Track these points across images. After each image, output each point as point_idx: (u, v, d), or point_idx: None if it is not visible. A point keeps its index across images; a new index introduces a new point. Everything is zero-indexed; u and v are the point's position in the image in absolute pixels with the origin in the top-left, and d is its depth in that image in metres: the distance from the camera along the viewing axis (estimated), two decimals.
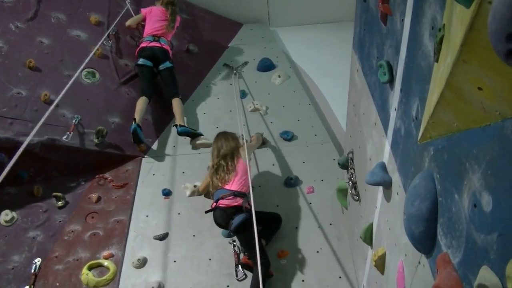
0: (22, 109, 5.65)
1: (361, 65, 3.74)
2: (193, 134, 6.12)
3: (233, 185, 4.89)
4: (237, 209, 4.76)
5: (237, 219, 4.67)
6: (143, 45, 6.47)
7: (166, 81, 6.50)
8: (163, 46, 6.49)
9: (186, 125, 6.15)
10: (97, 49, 6.28)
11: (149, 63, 6.40)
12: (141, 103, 6.14)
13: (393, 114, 2.77)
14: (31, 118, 5.56)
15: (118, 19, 6.72)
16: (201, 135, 6.15)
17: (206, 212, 5.02)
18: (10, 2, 6.38)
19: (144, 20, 6.82)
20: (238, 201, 4.80)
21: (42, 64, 6.07)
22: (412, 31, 2.32)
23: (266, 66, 7.27)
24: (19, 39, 6.15)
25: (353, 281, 4.67)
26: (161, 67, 6.44)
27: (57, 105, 5.79)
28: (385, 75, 2.77)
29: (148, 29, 6.63)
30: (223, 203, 4.82)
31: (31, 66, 5.95)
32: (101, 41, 6.18)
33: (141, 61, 6.38)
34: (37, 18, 6.45)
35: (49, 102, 5.68)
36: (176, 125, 6.11)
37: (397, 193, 2.79)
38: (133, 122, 5.93)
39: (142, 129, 6.02)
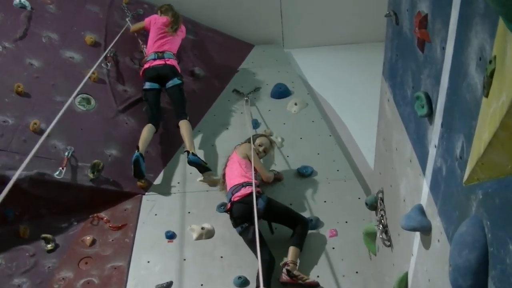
0: (9, 139, 5.73)
1: (392, 94, 3.80)
2: (203, 167, 6.16)
3: (236, 179, 5.59)
4: (252, 195, 5.15)
5: (261, 203, 5.31)
6: (146, 66, 6.65)
7: (173, 99, 6.63)
8: (167, 62, 6.63)
9: (197, 155, 6.16)
10: (93, 73, 6.36)
11: (155, 85, 6.55)
12: (147, 131, 6.24)
13: (432, 151, 2.80)
14: (19, 150, 5.65)
15: (116, 39, 6.83)
16: (210, 170, 6.21)
17: (226, 211, 5.55)
18: None
19: (146, 30, 7.04)
20: (250, 189, 5.32)
21: (32, 89, 6.19)
22: (455, 61, 2.36)
23: (281, 92, 7.36)
24: (7, 61, 6.31)
25: None
26: (169, 84, 6.60)
27: (48, 136, 5.90)
28: (423, 108, 2.81)
29: (150, 45, 6.81)
30: (237, 196, 5.45)
31: (20, 91, 6.06)
32: (97, 64, 6.23)
33: (147, 85, 6.55)
34: (27, 37, 6.62)
35: (39, 132, 5.77)
36: (187, 152, 6.16)
37: (438, 240, 2.80)
38: (136, 151, 5.99)
39: (144, 161, 6.08)
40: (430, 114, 2.80)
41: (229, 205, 5.47)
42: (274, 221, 5.49)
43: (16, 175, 4.22)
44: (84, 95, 6.43)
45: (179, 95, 6.59)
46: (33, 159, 5.47)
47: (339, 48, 8.34)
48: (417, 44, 2.94)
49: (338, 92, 7.50)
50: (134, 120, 6.61)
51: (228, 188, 5.62)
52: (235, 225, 5.43)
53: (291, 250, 5.23)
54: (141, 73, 6.73)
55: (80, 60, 6.76)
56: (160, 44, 6.79)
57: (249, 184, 5.40)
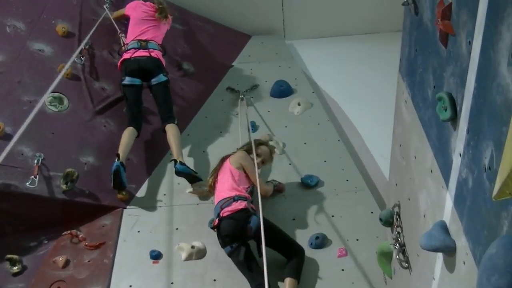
0: None
1: (410, 95, 3.82)
2: (192, 177, 6.16)
3: (227, 192, 5.54)
4: (244, 212, 5.33)
5: (254, 221, 5.24)
6: (126, 56, 6.58)
7: (158, 100, 6.60)
8: (152, 53, 6.56)
9: (185, 164, 6.13)
10: (67, 69, 6.35)
11: (137, 81, 6.50)
12: (127, 135, 6.22)
13: (457, 161, 2.82)
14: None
15: (93, 29, 6.85)
16: (201, 180, 6.21)
17: (213, 228, 5.47)
18: None
19: (127, 17, 7.02)
20: (242, 204, 5.40)
21: None
22: (483, 58, 2.38)
23: (282, 90, 7.41)
24: None
25: None
26: (154, 81, 6.56)
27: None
28: (446, 111, 2.83)
29: (132, 32, 6.75)
30: (226, 211, 5.37)
31: None
32: (72, 59, 6.25)
33: (127, 80, 6.48)
34: None
35: (3, 136, 5.79)
36: (174, 161, 6.15)
37: (464, 262, 2.82)
38: (116, 159, 5.98)
39: (126, 170, 6.10)
40: (454, 118, 2.81)
41: (216, 220, 5.42)
42: (266, 245, 5.36)
43: None
44: (56, 94, 6.44)
45: (166, 94, 6.58)
46: None
47: (348, 39, 8.39)
48: (440, 37, 2.96)
49: (347, 90, 7.54)
50: (113, 123, 6.62)
51: (216, 202, 5.60)
52: (223, 244, 5.39)
53: (288, 282, 5.18)
54: (119, 64, 6.67)
55: (50, 53, 6.78)
56: (142, 31, 6.74)
57: (242, 198, 5.44)
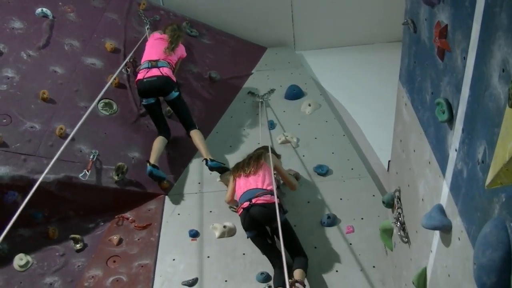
0: (37, 144, 5.85)
1: (410, 99, 3.87)
2: (222, 169, 6.18)
3: (265, 185, 5.38)
4: (278, 206, 5.11)
5: (283, 217, 5.08)
6: (139, 76, 6.31)
7: (176, 113, 6.53)
8: (163, 71, 6.28)
9: (215, 159, 6.15)
10: (114, 78, 6.45)
11: (151, 100, 6.32)
12: (158, 142, 6.24)
13: (453, 155, 2.88)
14: (46, 154, 5.75)
15: (137, 46, 6.94)
16: (229, 169, 6.14)
17: (238, 210, 5.35)
18: (21, 29, 6.66)
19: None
20: (275, 199, 5.14)
21: (56, 95, 6.30)
22: (477, 71, 2.44)
23: (295, 94, 7.44)
24: (32, 69, 6.42)
25: None
26: (167, 98, 6.41)
27: (73, 139, 6.00)
28: (444, 114, 2.89)
29: (145, 55, 6.57)
30: (261, 199, 5.23)
31: (45, 98, 6.17)
32: (118, 70, 6.35)
33: (144, 101, 6.35)
34: (50, 45, 6.73)
35: (64, 137, 5.88)
36: (206, 160, 6.15)
37: (459, 238, 2.88)
38: (148, 164, 5.97)
39: (163, 165, 6.16)
40: (451, 120, 2.87)
41: (246, 203, 5.26)
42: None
43: (41, 177, 4.39)
44: (107, 100, 6.53)
45: (181, 107, 6.47)
46: (60, 163, 5.70)
47: (349, 49, 8.41)
48: (437, 52, 3.01)
49: (350, 93, 7.56)
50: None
51: (246, 189, 5.40)
52: (248, 227, 5.27)
53: (298, 272, 5.02)
54: (135, 82, 6.44)
55: (101, 66, 6.85)
56: (153, 55, 6.49)
57: (273, 194, 5.19)
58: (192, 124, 6.45)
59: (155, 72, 6.25)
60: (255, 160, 5.61)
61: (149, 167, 5.93)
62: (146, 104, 6.36)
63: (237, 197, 5.50)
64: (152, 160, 6.02)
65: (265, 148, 5.91)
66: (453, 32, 2.77)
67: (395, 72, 4.51)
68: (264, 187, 5.34)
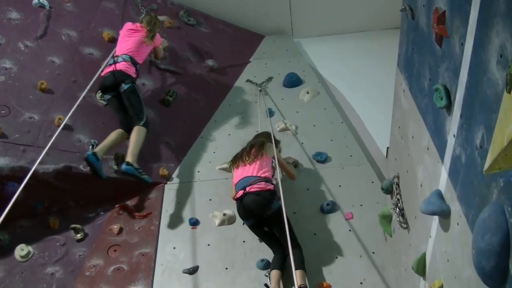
0: (35, 135, 5.85)
1: (408, 86, 3.88)
2: (138, 178, 5.74)
3: (260, 173, 5.31)
4: (270, 193, 5.14)
5: (276, 205, 5.08)
6: (103, 73, 6.23)
7: (126, 105, 6.15)
8: (117, 67, 6.14)
9: (134, 165, 5.69)
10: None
11: (108, 96, 6.17)
12: (114, 134, 5.96)
13: (451, 140, 2.89)
14: (45, 145, 5.68)
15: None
16: (147, 182, 5.87)
17: (234, 199, 5.30)
18: (18, 20, 6.63)
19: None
20: (270, 186, 5.20)
21: (55, 85, 6.29)
22: (474, 57, 2.45)
23: (293, 81, 7.43)
24: (29, 59, 6.40)
25: None
26: (120, 89, 6.12)
27: (72, 129, 6.04)
28: (442, 100, 2.90)
29: (117, 50, 6.41)
30: (255, 187, 5.18)
31: (43, 88, 6.17)
32: (108, 59, 6.28)
33: (105, 96, 6.22)
34: (47, 35, 6.69)
35: (63, 127, 5.84)
36: (121, 161, 5.85)
37: (458, 223, 2.90)
38: (90, 148, 5.80)
39: (164, 154, 6.14)
40: (449, 106, 2.89)
41: (240, 192, 5.23)
42: (273, 228, 5.22)
43: (35, 165, 4.39)
44: None
45: (130, 99, 6.11)
46: (59, 153, 5.72)
47: (347, 37, 8.39)
48: (435, 39, 3.01)
49: (347, 80, 7.55)
50: (153, 113, 6.67)
51: (241, 177, 5.36)
52: (244, 216, 5.26)
53: (299, 273, 4.81)
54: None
55: (99, 56, 6.82)
56: (120, 48, 6.38)
57: (270, 182, 5.26)
58: (139, 119, 6.03)
59: (111, 68, 6.16)
60: (257, 149, 5.54)
61: (89, 152, 5.66)
62: (107, 98, 6.20)
63: (233, 185, 5.48)
64: (98, 148, 5.74)
65: (265, 136, 5.89)
66: (451, 18, 2.77)
67: (393, 59, 4.53)
68: (259, 175, 5.30)
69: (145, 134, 5.96)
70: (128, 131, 5.98)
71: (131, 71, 6.21)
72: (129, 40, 6.36)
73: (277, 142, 5.95)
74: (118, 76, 6.10)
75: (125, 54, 6.24)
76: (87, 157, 5.62)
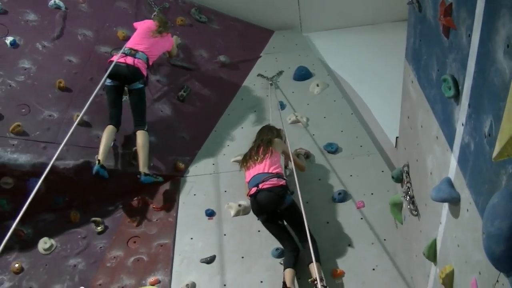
0: (55, 132, 5.91)
1: (416, 77, 3.88)
2: (155, 183, 5.96)
3: (271, 169, 5.29)
4: (283, 188, 5.13)
5: (288, 199, 5.12)
6: (113, 58, 6.07)
7: (132, 105, 6.16)
8: (136, 63, 6.06)
9: (149, 173, 5.80)
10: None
11: (116, 83, 6.06)
12: (108, 134, 5.88)
13: (460, 129, 2.90)
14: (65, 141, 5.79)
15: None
16: (161, 182, 6.07)
17: (248, 195, 5.28)
18: (35, 21, 6.68)
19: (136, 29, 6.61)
20: (282, 181, 5.18)
21: (72, 84, 6.34)
22: (482, 47, 2.45)
23: (303, 75, 7.43)
24: (47, 59, 6.45)
25: None
26: (131, 87, 6.10)
27: (90, 126, 6.08)
28: (450, 90, 2.91)
29: (130, 42, 6.35)
30: (268, 184, 5.15)
31: (61, 87, 6.22)
32: (119, 53, 6.28)
33: (107, 82, 6.02)
34: (64, 36, 6.74)
35: (82, 124, 5.95)
36: (139, 174, 5.80)
37: (467, 210, 2.91)
38: (97, 163, 5.64)
39: (179, 148, 6.20)
40: (457, 95, 2.89)
41: (254, 189, 5.20)
42: (288, 222, 5.29)
43: (53, 160, 4.40)
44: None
45: (138, 101, 6.14)
46: (79, 149, 5.77)
47: (355, 30, 8.34)
48: (442, 31, 3.01)
49: (356, 72, 7.52)
50: (168, 108, 6.72)
51: (254, 174, 5.34)
52: (258, 212, 5.25)
53: (316, 266, 4.51)
54: (108, 62, 6.16)
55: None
56: (138, 42, 6.32)
57: (281, 177, 5.25)
58: (142, 123, 6.08)
59: (129, 60, 6.04)
60: (265, 147, 5.50)
61: (96, 167, 5.62)
62: (109, 85, 6.06)
63: (246, 184, 5.45)
64: (101, 157, 5.69)
65: (269, 131, 5.84)
66: (457, 10, 2.77)
67: (401, 51, 4.51)
68: (271, 171, 5.27)
69: (148, 138, 6.00)
70: (117, 125, 5.96)
71: (145, 71, 6.21)
72: (148, 39, 6.35)
73: (279, 131, 5.91)
74: (134, 73, 6.05)
75: (142, 52, 6.21)
76: (97, 172, 5.60)
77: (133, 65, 6.04)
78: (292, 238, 5.19)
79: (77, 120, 4.97)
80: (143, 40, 6.34)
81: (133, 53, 6.12)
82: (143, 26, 6.55)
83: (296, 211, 5.09)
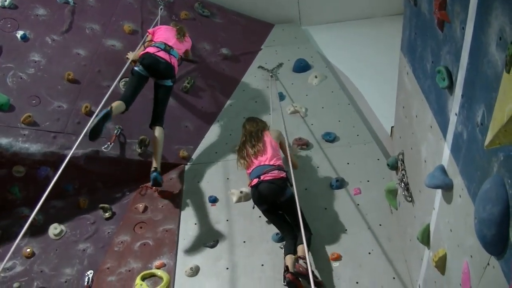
0: (64, 122, 5.92)
1: (411, 68, 3.87)
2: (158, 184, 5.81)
3: (272, 161, 5.24)
4: (283, 181, 5.11)
5: (289, 191, 5.08)
6: (149, 50, 5.95)
7: (157, 100, 5.98)
8: (171, 61, 5.97)
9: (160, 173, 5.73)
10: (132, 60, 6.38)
11: (145, 72, 5.87)
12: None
13: (453, 119, 2.89)
14: (74, 131, 5.84)
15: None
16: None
17: (250, 186, 5.23)
18: (45, 16, 6.66)
19: (152, 38, 6.28)
20: (283, 173, 5.15)
21: (80, 76, 6.34)
22: (475, 40, 2.44)
23: (302, 67, 7.41)
24: (57, 52, 6.45)
25: (407, 282, 4.79)
26: (161, 82, 5.95)
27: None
28: (445, 81, 2.90)
29: (160, 37, 6.17)
30: (269, 175, 5.11)
31: (70, 79, 6.22)
32: (138, 48, 6.30)
33: (139, 68, 5.85)
34: (72, 30, 6.72)
35: (90, 114, 5.92)
36: (155, 169, 5.71)
37: (460, 196, 2.91)
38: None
39: (183, 137, 6.27)
40: (451, 86, 2.88)
41: (255, 180, 5.16)
42: (286, 213, 5.22)
43: (71, 152, 4.46)
44: (127, 79, 6.50)
45: (164, 98, 6.00)
46: (87, 138, 5.74)
47: (352, 24, 8.31)
48: (437, 24, 3.00)
49: (353, 64, 7.50)
50: (172, 99, 6.67)
51: (255, 165, 5.29)
52: (258, 203, 5.20)
53: (301, 247, 4.78)
54: (139, 55, 6.01)
55: (121, 47, 6.84)
56: (169, 38, 6.18)
57: (282, 169, 5.20)
58: (162, 121, 5.95)
59: (165, 56, 5.92)
60: (257, 139, 5.43)
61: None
62: (139, 73, 5.84)
63: (247, 175, 5.40)
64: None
65: (255, 123, 5.70)
66: (452, 4, 2.76)
67: (396, 44, 4.50)
68: (272, 163, 5.22)
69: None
70: (127, 106, 5.66)
71: (177, 70, 6.12)
72: (175, 38, 6.23)
73: (265, 124, 5.79)
74: (169, 70, 5.94)
75: (176, 50, 6.09)
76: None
77: (170, 62, 5.93)
78: (292, 226, 5.18)
79: (95, 114, 4.96)
80: (173, 39, 6.21)
81: (168, 48, 5.99)
82: (165, 27, 6.42)
83: (295, 203, 5.00)
